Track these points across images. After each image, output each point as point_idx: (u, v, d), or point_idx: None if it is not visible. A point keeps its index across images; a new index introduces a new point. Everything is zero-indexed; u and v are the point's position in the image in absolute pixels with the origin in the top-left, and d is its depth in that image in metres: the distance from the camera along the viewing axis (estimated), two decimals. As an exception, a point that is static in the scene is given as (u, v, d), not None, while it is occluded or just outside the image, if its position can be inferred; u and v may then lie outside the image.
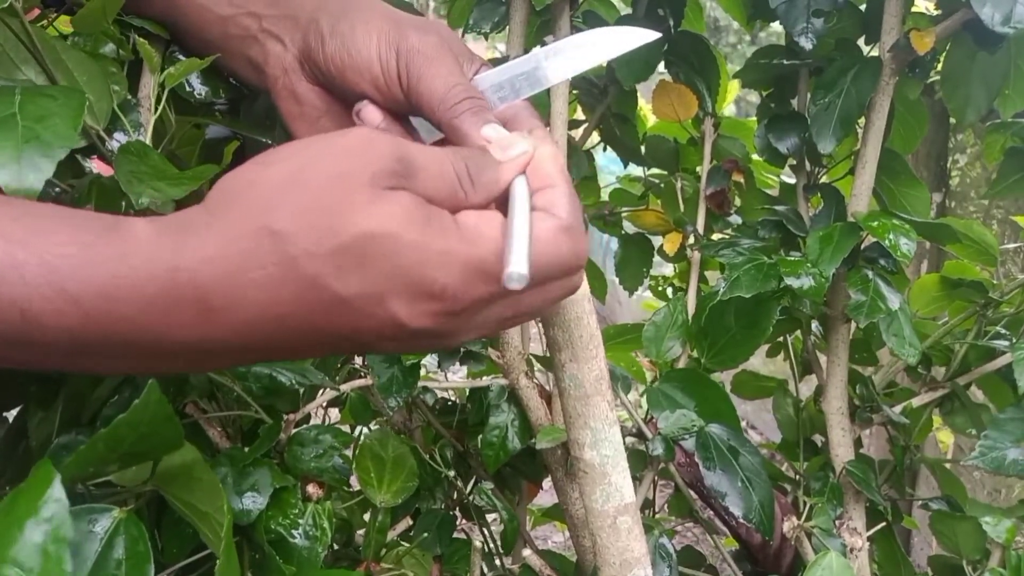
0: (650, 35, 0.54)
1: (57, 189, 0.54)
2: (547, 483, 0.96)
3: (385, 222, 0.40)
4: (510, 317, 0.46)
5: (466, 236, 0.42)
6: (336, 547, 0.84)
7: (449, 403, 1.01)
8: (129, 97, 0.55)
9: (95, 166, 0.59)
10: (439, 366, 0.91)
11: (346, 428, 0.93)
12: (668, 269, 1.27)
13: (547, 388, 0.89)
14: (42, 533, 0.38)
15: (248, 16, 0.55)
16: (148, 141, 0.54)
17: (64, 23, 0.58)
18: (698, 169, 1.03)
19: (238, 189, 0.41)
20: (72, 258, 0.38)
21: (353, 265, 0.40)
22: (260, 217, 0.40)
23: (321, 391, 0.81)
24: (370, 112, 0.52)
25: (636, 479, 0.87)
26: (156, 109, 0.55)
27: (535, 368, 0.89)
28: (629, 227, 1.20)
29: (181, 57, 0.58)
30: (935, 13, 0.86)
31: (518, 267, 0.40)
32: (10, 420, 0.66)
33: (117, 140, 0.53)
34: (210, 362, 0.44)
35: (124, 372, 0.44)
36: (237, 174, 0.42)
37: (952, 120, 0.90)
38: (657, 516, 1.09)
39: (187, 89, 0.59)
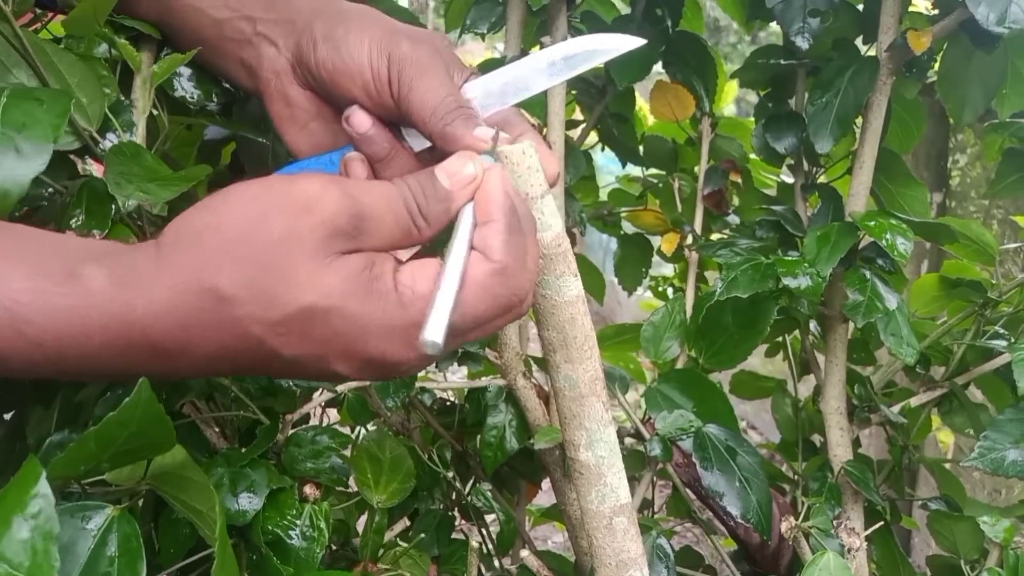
0: (637, 41, 0.54)
1: (50, 190, 0.54)
2: (546, 483, 0.96)
3: (327, 296, 0.41)
4: (457, 345, 0.47)
5: (403, 299, 0.43)
6: (333, 548, 0.84)
7: (448, 403, 1.01)
8: (122, 98, 0.55)
9: (95, 168, 0.59)
10: (437, 367, 0.91)
11: (345, 429, 0.93)
12: (667, 269, 1.27)
13: (545, 389, 0.89)
14: (29, 529, 0.38)
15: (243, 19, 0.55)
16: (140, 142, 0.54)
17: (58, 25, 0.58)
18: (696, 169, 1.03)
19: (188, 238, 0.42)
20: (29, 305, 0.40)
21: (296, 333, 0.42)
22: (207, 275, 0.41)
23: (319, 391, 0.81)
24: (359, 118, 0.52)
25: (634, 479, 0.87)
26: (145, 108, 0.55)
27: (533, 369, 0.89)
28: (628, 227, 1.20)
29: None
30: (932, 13, 0.86)
31: (432, 335, 0.42)
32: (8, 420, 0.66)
33: (110, 141, 0.53)
34: (176, 380, 0.46)
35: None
36: (188, 219, 0.43)
37: (951, 120, 0.90)
38: (655, 516, 1.09)
39: (179, 92, 0.59)
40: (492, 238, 0.45)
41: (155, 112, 0.57)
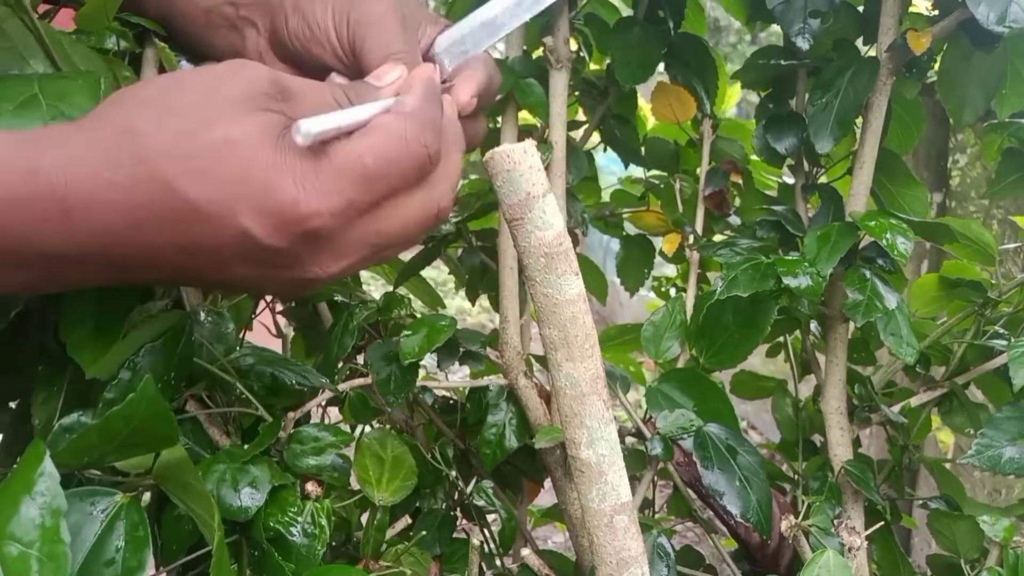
0: None
1: None
2: (547, 484, 0.97)
3: (243, 129, 0.41)
4: (375, 244, 0.45)
5: (318, 150, 0.42)
6: (334, 545, 0.84)
7: (451, 402, 1.01)
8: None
9: None
10: (439, 366, 0.91)
11: (346, 427, 0.94)
12: (670, 270, 1.27)
13: (547, 388, 0.89)
14: (37, 507, 0.39)
15: (227, 5, 0.57)
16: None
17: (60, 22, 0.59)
18: (697, 170, 1.03)
19: (116, 100, 0.42)
20: None
21: (205, 168, 0.40)
22: (123, 120, 0.40)
23: (321, 389, 0.81)
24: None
25: (635, 478, 0.87)
26: None
27: (535, 368, 0.90)
28: (630, 228, 1.20)
29: (181, 57, 0.60)
30: (932, 13, 0.86)
31: (307, 124, 0.40)
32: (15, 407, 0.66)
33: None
34: (72, 274, 0.43)
35: None
36: (123, 89, 0.43)
37: (951, 120, 0.90)
38: (656, 516, 1.10)
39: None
40: (409, 99, 0.46)
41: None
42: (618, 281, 1.21)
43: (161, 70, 0.60)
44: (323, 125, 0.41)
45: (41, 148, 0.40)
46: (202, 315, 0.69)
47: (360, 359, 0.92)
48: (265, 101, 0.42)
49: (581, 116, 1.08)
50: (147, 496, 0.56)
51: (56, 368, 0.60)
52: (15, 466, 0.40)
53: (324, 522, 0.66)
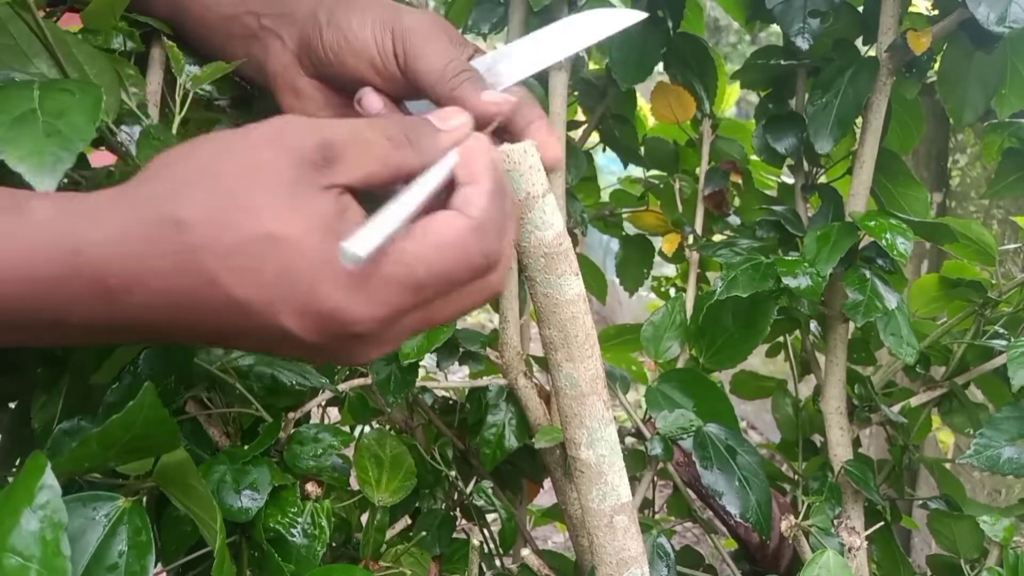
0: (637, 15, 0.55)
1: (65, 180, 0.55)
2: (547, 484, 0.97)
3: (287, 226, 0.38)
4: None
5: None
6: (334, 545, 0.84)
7: (450, 402, 1.01)
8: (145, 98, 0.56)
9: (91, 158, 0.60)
10: (438, 366, 0.91)
11: (346, 427, 0.94)
12: (669, 270, 1.27)
13: (547, 388, 0.89)
14: (38, 520, 0.39)
15: (248, 15, 0.57)
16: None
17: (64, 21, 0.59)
18: (697, 170, 1.03)
19: (155, 171, 0.41)
20: None
21: (247, 267, 0.39)
22: (169, 203, 0.39)
23: (321, 389, 0.81)
24: (371, 98, 0.53)
25: (635, 479, 0.87)
26: (181, 109, 0.56)
27: (534, 368, 0.90)
28: (630, 228, 1.20)
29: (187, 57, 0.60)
30: (932, 13, 0.86)
31: (354, 246, 0.37)
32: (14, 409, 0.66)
33: (125, 132, 0.54)
34: (112, 339, 0.43)
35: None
36: (160, 156, 0.41)
37: (951, 120, 0.90)
38: (656, 516, 1.10)
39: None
40: (477, 196, 0.42)
41: (167, 110, 0.58)
42: (617, 281, 1.21)
43: (167, 71, 0.59)
44: (371, 243, 0.38)
45: (82, 223, 0.39)
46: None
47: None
48: (311, 173, 0.40)
49: (580, 116, 1.08)
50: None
51: (55, 371, 0.59)
52: (16, 476, 0.40)
53: (324, 523, 0.66)
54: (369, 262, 0.38)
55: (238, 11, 0.57)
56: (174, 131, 0.56)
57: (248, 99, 0.65)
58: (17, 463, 0.65)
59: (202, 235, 0.38)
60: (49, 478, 0.39)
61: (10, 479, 0.42)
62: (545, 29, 0.54)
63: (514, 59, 0.54)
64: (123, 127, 0.54)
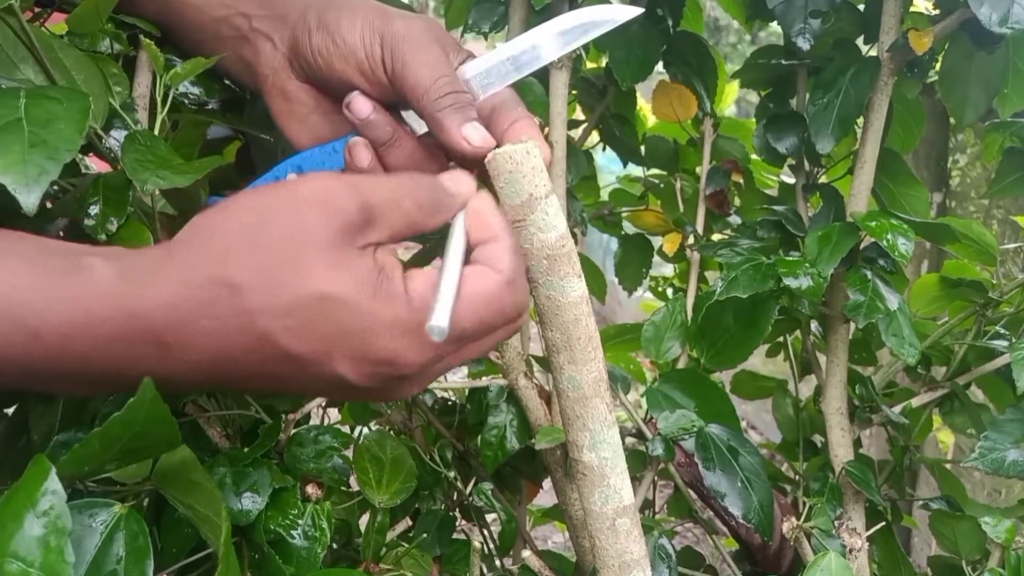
0: (635, 11, 0.54)
1: (56, 187, 0.55)
2: (547, 483, 0.96)
3: (338, 285, 0.41)
4: (455, 365, 0.48)
5: (412, 301, 0.43)
6: (335, 547, 0.84)
7: (449, 403, 1.01)
8: (130, 98, 0.56)
9: (95, 167, 0.59)
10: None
11: (346, 429, 0.93)
12: (668, 269, 1.27)
13: (547, 388, 0.89)
14: (41, 526, 0.39)
15: (239, 16, 0.56)
16: (148, 140, 0.54)
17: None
18: (697, 169, 1.03)
19: (200, 235, 0.42)
20: (31, 294, 0.40)
21: (304, 325, 0.41)
22: (219, 266, 0.41)
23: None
24: (360, 103, 0.53)
25: (636, 479, 0.86)
26: (163, 108, 0.56)
27: (535, 369, 0.89)
28: (629, 227, 1.20)
29: (173, 57, 0.59)
30: (933, 13, 0.86)
31: (439, 321, 0.42)
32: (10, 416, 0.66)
33: (114, 138, 0.54)
34: (167, 389, 0.45)
35: (78, 394, 0.45)
36: (200, 219, 0.43)
37: (952, 120, 0.90)
38: (657, 516, 1.09)
39: (179, 89, 0.60)
40: (502, 253, 0.46)
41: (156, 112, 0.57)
42: (617, 281, 1.21)
43: (155, 73, 0.59)
44: (446, 315, 0.42)
45: (140, 285, 0.41)
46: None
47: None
48: (354, 235, 0.43)
49: (580, 115, 1.08)
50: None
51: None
52: (18, 482, 0.40)
53: (325, 524, 0.66)
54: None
55: (229, 12, 0.56)
56: (156, 131, 0.55)
57: (239, 102, 0.65)
58: (10, 473, 0.65)
59: (255, 299, 0.41)
60: (53, 483, 0.39)
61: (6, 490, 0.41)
62: (540, 27, 0.54)
63: (508, 59, 0.54)
64: (112, 133, 0.54)
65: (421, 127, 0.54)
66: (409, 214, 0.45)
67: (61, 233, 0.55)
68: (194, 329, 0.41)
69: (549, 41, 0.55)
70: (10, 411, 0.64)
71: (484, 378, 0.95)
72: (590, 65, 1.06)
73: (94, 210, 0.52)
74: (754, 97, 1.04)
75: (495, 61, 0.53)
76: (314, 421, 0.86)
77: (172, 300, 0.41)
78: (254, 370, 0.43)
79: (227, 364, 0.42)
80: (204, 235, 0.42)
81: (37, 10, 0.57)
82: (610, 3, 0.95)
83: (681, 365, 0.90)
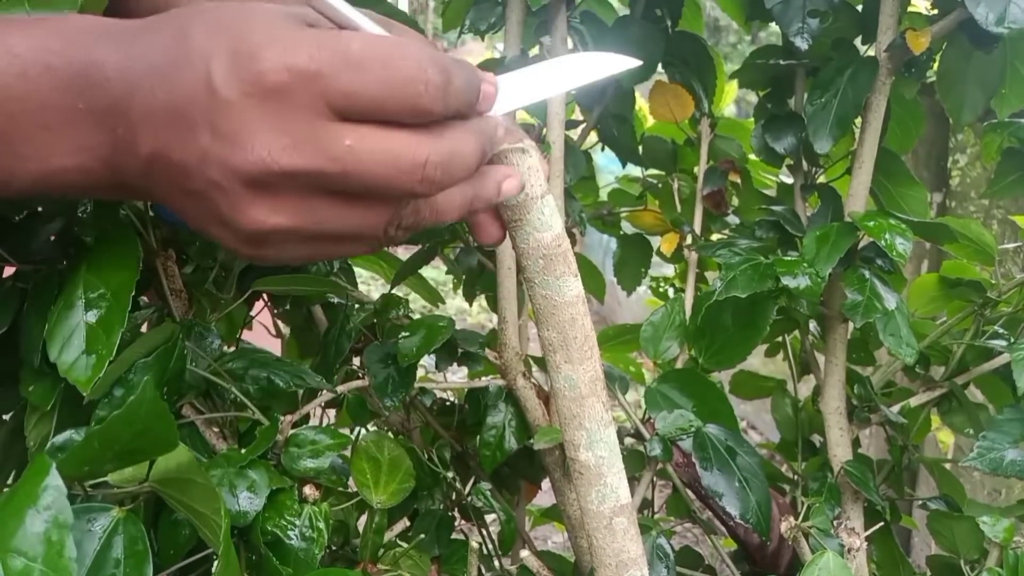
0: (631, 62, 0.53)
1: None
2: (546, 483, 0.96)
3: (270, 9, 0.40)
4: (334, 160, 0.39)
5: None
6: (333, 548, 0.84)
7: (448, 403, 1.01)
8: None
9: None
10: (437, 367, 0.91)
11: (344, 429, 0.93)
12: (667, 269, 1.27)
13: (545, 389, 0.89)
14: (43, 521, 0.39)
15: None
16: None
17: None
18: (695, 169, 1.03)
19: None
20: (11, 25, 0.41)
21: (218, 19, 0.39)
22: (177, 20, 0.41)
23: (319, 391, 0.81)
24: None
25: (634, 479, 0.87)
26: None
27: (533, 369, 0.89)
28: (628, 227, 1.20)
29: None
30: (931, 13, 0.86)
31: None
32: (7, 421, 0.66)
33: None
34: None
35: None
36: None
37: (951, 120, 0.90)
38: (655, 516, 1.09)
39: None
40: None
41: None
42: (616, 280, 1.21)
43: None
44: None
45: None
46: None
47: (357, 361, 0.92)
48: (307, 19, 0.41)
49: (578, 115, 1.08)
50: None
51: (48, 389, 0.59)
52: (19, 479, 0.40)
53: (322, 525, 0.66)
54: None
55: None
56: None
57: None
58: (8, 479, 0.65)
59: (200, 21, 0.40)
60: (54, 479, 0.39)
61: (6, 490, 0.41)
62: (538, 65, 0.53)
63: (502, 92, 0.53)
64: None
65: None
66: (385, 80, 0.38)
67: (52, 237, 0.55)
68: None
69: (544, 80, 0.53)
70: (7, 417, 0.64)
71: (482, 378, 0.96)
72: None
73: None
74: (753, 97, 1.05)
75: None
76: (313, 422, 0.87)
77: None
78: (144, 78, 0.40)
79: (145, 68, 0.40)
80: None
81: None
82: None
83: (680, 365, 0.90)
